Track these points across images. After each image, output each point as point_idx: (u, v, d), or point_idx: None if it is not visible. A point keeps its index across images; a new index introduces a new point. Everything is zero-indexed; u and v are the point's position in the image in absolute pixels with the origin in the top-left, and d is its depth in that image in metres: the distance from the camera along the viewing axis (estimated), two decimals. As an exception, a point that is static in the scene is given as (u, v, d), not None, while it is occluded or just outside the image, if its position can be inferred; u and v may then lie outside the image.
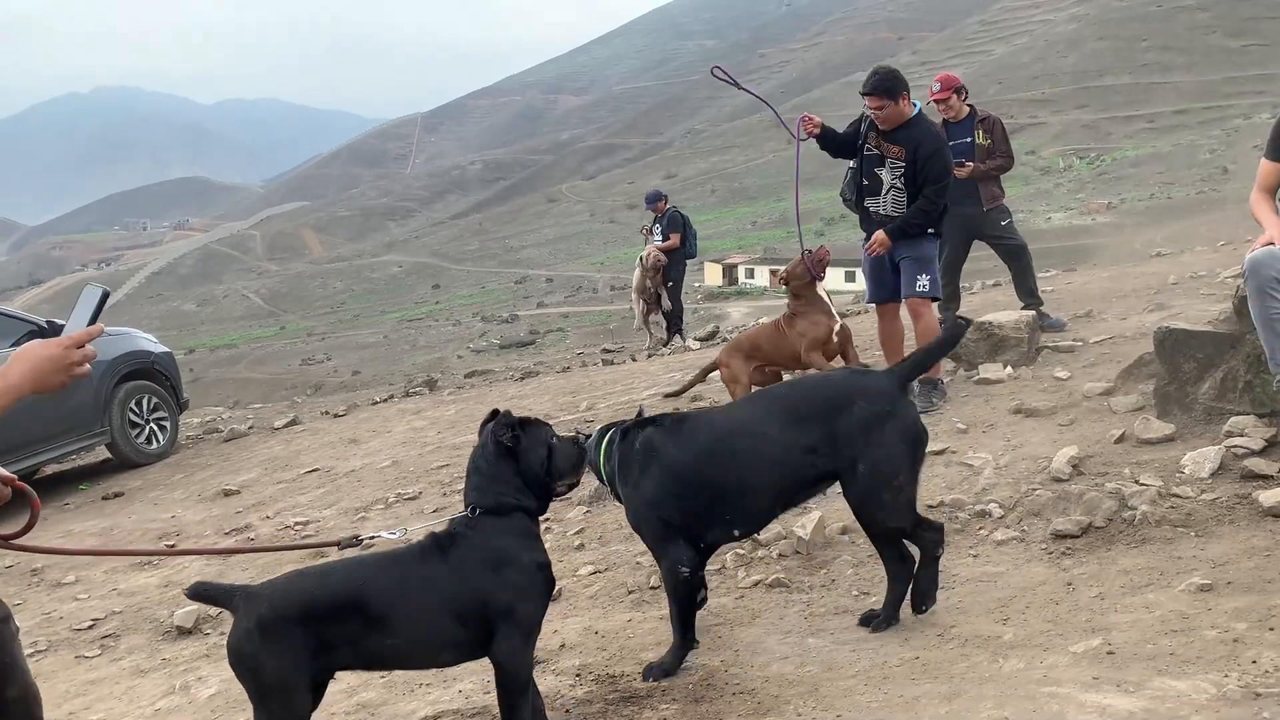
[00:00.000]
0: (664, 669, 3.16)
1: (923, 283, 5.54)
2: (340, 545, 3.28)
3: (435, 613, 2.58)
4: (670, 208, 12.24)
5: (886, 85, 5.41)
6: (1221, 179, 51.05)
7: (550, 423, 2.88)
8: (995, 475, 4.31)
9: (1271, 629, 2.68)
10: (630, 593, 3.97)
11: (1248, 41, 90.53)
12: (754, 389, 5.84)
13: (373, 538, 3.61)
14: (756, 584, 3.80)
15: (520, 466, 2.71)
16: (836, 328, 5.92)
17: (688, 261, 12.53)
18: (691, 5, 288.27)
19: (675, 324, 12.62)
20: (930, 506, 4.16)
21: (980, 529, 3.93)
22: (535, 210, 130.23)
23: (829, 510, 4.36)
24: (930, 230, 5.56)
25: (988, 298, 9.76)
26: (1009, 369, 5.86)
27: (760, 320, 6.39)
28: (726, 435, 3.17)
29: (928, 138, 5.50)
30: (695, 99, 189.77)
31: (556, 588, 4.01)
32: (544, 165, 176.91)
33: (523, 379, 10.95)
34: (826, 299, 6.07)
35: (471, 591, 2.57)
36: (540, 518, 2.80)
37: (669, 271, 12.29)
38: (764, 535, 4.12)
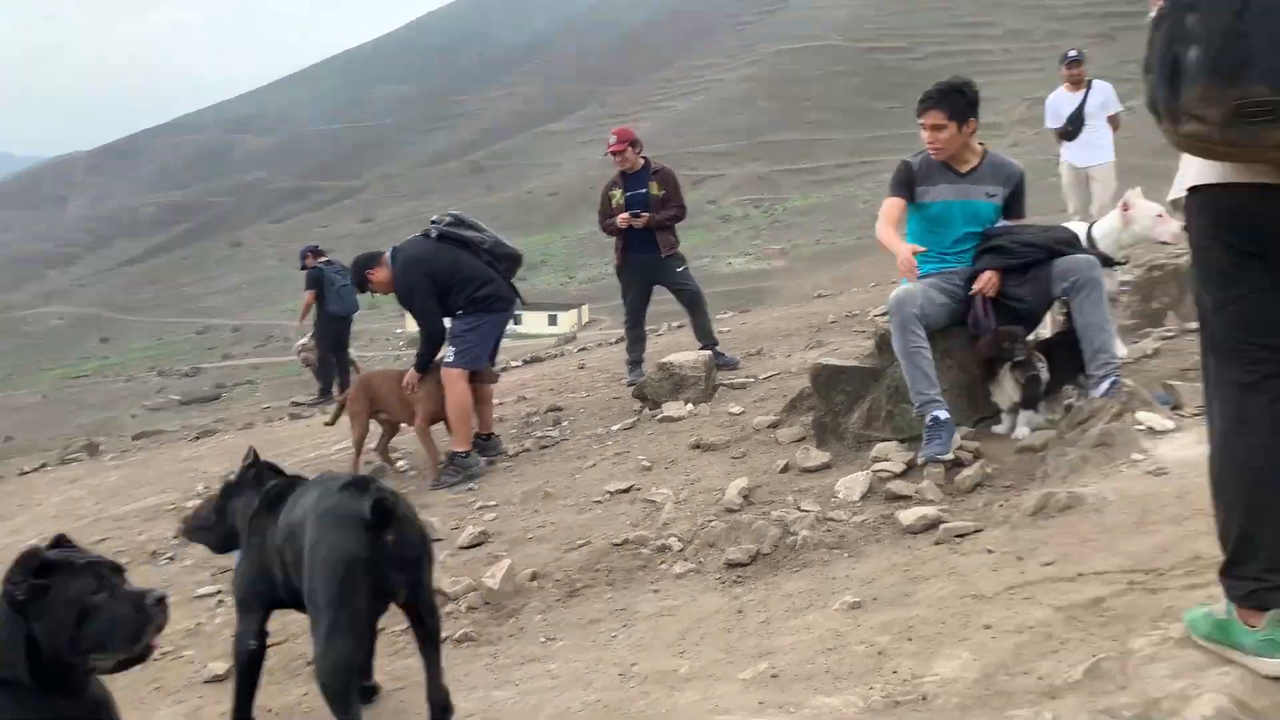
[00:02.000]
0: None
1: (447, 354, 6.06)
2: None
3: None
4: (318, 262, 11.82)
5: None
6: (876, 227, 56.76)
7: (124, 564, 2.27)
8: (675, 510, 4.47)
9: (910, 639, 2.92)
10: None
11: (892, 104, 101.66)
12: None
13: None
14: (444, 640, 3.68)
15: (33, 630, 2.08)
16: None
17: (341, 315, 11.92)
18: (382, 49, 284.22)
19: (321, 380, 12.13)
20: (615, 545, 4.24)
21: (662, 563, 4.04)
22: (218, 256, 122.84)
23: (519, 556, 4.34)
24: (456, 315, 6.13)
25: (673, 339, 10.21)
26: (689, 406, 6.15)
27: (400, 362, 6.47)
28: None
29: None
30: (389, 143, 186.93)
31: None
32: (227, 208, 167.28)
33: (198, 438, 10.20)
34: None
35: None
36: (63, 692, 2.12)
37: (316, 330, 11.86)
38: (453, 589, 4.03)
